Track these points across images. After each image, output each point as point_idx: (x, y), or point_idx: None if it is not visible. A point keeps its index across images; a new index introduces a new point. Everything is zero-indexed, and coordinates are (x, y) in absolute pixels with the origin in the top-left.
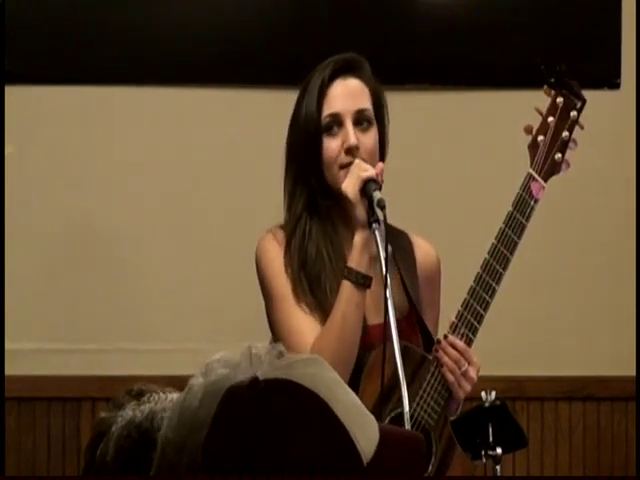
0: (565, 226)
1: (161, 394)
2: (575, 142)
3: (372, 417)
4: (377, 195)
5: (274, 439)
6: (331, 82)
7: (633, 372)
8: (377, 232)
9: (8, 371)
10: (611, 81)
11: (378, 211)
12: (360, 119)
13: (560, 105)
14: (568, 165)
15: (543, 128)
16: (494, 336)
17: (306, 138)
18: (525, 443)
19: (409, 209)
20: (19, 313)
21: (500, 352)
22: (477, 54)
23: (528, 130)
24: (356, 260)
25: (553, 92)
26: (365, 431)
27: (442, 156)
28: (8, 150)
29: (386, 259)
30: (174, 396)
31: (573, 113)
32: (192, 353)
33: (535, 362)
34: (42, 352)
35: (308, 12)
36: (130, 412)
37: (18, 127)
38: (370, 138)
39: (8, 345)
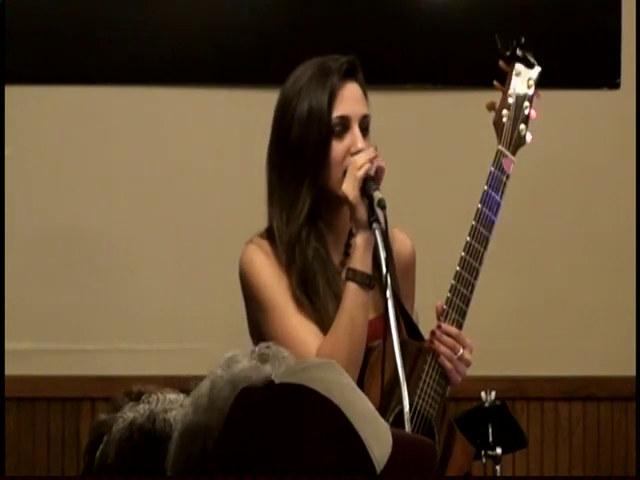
0: (565, 226)
1: (159, 395)
2: (536, 112)
3: (385, 424)
4: (377, 195)
5: (286, 442)
6: (340, 84)
7: (633, 372)
8: (377, 232)
9: (8, 371)
10: (611, 81)
11: (378, 211)
12: (363, 124)
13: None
14: (531, 136)
15: (505, 103)
16: (494, 336)
17: (315, 140)
18: (525, 443)
19: (409, 208)
20: (19, 313)
21: (500, 352)
22: (477, 54)
23: (491, 107)
24: (359, 261)
25: (510, 66)
26: (378, 439)
27: (442, 156)
28: (8, 150)
29: (386, 259)
30: (172, 397)
31: (531, 83)
32: (191, 353)
33: (535, 362)
34: (42, 352)
35: (308, 12)
36: (130, 414)
37: (18, 127)
38: (368, 144)
39: (8, 345)
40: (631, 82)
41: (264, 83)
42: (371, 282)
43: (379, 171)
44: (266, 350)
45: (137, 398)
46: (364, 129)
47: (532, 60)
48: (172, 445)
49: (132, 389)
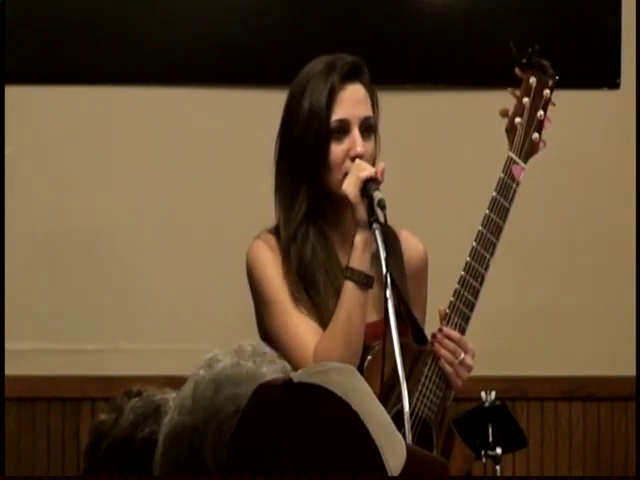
0: (565, 226)
1: (162, 395)
2: (550, 120)
3: (400, 437)
4: (377, 195)
5: (301, 442)
6: (340, 86)
7: (633, 372)
8: (377, 232)
9: (8, 371)
10: (611, 81)
11: (378, 211)
12: (365, 126)
13: (533, 85)
14: (545, 144)
15: (519, 110)
16: (494, 336)
17: (313, 140)
18: (525, 443)
19: (409, 208)
20: (19, 313)
21: (500, 352)
22: (477, 54)
23: (504, 113)
24: (357, 260)
25: (525, 73)
26: (394, 450)
27: (442, 156)
28: (8, 150)
29: (386, 259)
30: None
31: (546, 92)
32: (191, 353)
33: (535, 362)
34: (42, 352)
35: (308, 12)
36: (132, 415)
37: (18, 127)
38: (371, 145)
39: (8, 345)
40: (631, 82)
41: (264, 83)
42: (368, 282)
43: (379, 172)
44: (247, 347)
45: (136, 398)
46: (366, 131)
47: (549, 69)
48: (158, 448)
49: (132, 389)
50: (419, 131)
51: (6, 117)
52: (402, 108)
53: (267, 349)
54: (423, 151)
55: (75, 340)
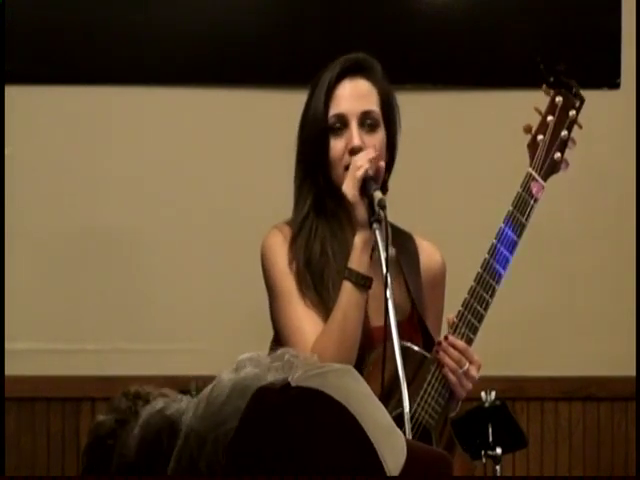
0: (564, 226)
1: (176, 396)
2: (574, 141)
3: (401, 434)
4: (378, 195)
5: (298, 447)
6: (339, 82)
7: (633, 372)
8: (377, 232)
9: (8, 371)
10: (611, 81)
11: (378, 210)
12: (366, 121)
13: (559, 104)
14: (567, 164)
15: (542, 127)
16: (494, 336)
17: (313, 137)
18: (525, 443)
19: (409, 209)
20: (19, 313)
21: (500, 352)
22: (477, 54)
23: (527, 129)
24: (356, 261)
25: (552, 91)
26: (393, 450)
27: (442, 156)
28: (8, 150)
29: (386, 259)
30: (183, 397)
31: (572, 112)
32: (192, 353)
33: (535, 362)
34: (42, 352)
35: (308, 12)
36: (148, 413)
37: (18, 127)
38: (375, 140)
39: (8, 345)
40: (631, 82)
41: (264, 83)
42: (366, 282)
43: (378, 171)
44: (275, 363)
45: (135, 399)
46: (368, 125)
47: (577, 90)
48: (179, 439)
49: (129, 390)
50: (419, 131)
51: (6, 117)
52: (402, 108)
53: (297, 360)
54: (423, 151)
55: (75, 340)
